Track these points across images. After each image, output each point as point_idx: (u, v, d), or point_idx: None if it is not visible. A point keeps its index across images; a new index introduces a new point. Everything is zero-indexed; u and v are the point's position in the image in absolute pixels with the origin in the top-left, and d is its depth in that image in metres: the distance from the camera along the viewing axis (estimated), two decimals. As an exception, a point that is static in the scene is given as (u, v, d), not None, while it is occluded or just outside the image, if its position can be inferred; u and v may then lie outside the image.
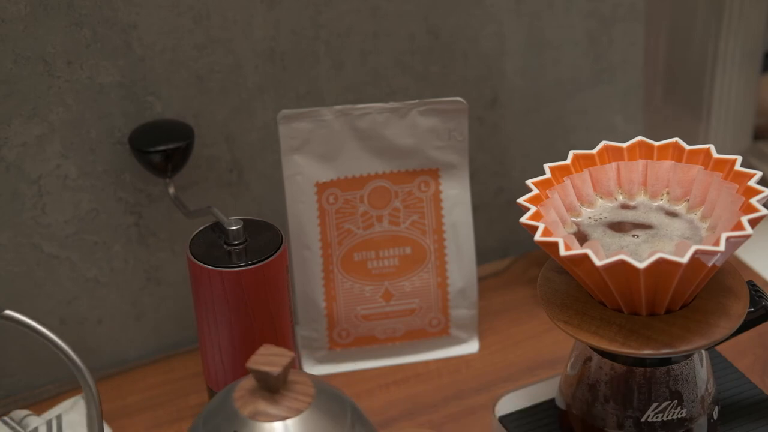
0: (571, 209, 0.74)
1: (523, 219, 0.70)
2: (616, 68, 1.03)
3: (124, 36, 0.85)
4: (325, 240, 0.89)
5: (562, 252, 0.67)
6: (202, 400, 0.91)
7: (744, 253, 1.03)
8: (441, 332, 0.94)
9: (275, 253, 0.80)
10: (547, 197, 0.72)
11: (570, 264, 0.69)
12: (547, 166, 0.74)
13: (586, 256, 0.66)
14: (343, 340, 0.93)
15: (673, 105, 1.10)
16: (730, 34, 1.04)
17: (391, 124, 0.87)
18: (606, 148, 0.76)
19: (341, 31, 0.91)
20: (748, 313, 0.74)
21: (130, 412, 0.90)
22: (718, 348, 0.86)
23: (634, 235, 0.72)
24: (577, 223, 0.74)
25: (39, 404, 0.91)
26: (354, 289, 0.91)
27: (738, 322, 0.70)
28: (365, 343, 0.94)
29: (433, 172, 0.89)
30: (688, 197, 0.74)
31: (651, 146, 0.75)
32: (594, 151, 0.75)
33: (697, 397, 0.75)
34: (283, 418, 0.65)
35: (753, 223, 0.67)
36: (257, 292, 0.80)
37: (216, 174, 0.93)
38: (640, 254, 0.70)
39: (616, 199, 0.76)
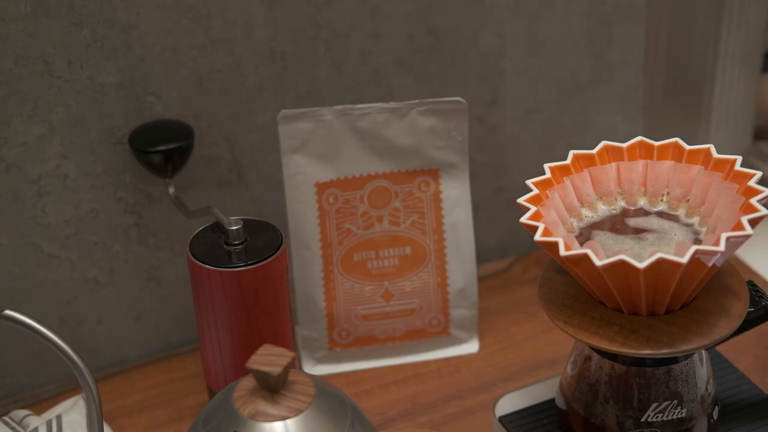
0: (571, 209, 0.74)
1: (523, 219, 0.70)
2: (616, 68, 1.03)
3: (124, 36, 0.85)
4: (325, 240, 0.89)
5: (562, 252, 0.67)
6: (202, 400, 0.91)
7: (744, 253, 1.03)
8: (441, 332, 0.94)
9: (275, 253, 0.80)
10: (547, 197, 0.72)
11: (570, 264, 0.69)
12: (547, 166, 0.74)
13: (586, 256, 0.66)
14: (343, 340, 0.93)
15: (673, 105, 1.10)
16: (730, 34, 1.04)
17: (391, 124, 0.87)
18: (606, 148, 0.76)
19: (341, 31, 0.91)
20: (748, 313, 0.74)
21: (130, 412, 0.90)
22: (718, 348, 0.86)
23: (635, 238, 0.72)
24: (578, 227, 0.74)
25: (39, 404, 0.91)
26: (354, 289, 0.91)
27: (738, 322, 0.70)
28: (365, 343, 0.94)
29: (433, 172, 0.89)
30: (688, 197, 0.74)
31: (651, 146, 0.75)
32: (594, 151, 0.75)
33: (697, 397, 0.75)
34: (283, 418, 0.65)
35: (753, 223, 0.67)
36: (257, 292, 0.80)
37: (216, 174, 0.93)
38: (641, 256, 0.70)
39: (615, 200, 0.76)
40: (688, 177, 0.74)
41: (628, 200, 0.76)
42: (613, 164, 0.76)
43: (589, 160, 0.75)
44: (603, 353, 0.75)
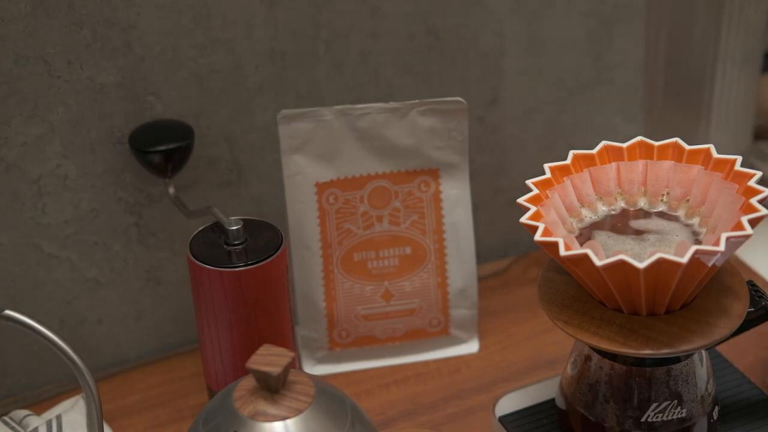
0: (571, 209, 0.74)
1: (523, 219, 0.70)
2: (616, 68, 1.03)
3: (124, 36, 0.85)
4: (325, 240, 0.89)
5: (562, 252, 0.67)
6: (202, 400, 0.91)
7: (744, 253, 1.03)
8: (441, 332, 0.94)
9: (275, 253, 0.80)
10: (547, 197, 0.72)
11: (570, 264, 0.69)
12: (547, 166, 0.74)
13: (586, 256, 0.66)
14: (343, 340, 0.93)
15: (673, 105, 1.10)
16: (730, 34, 1.04)
17: (391, 124, 0.87)
18: (606, 148, 0.76)
19: (341, 31, 0.91)
20: (748, 313, 0.74)
21: (130, 412, 0.90)
22: (718, 348, 0.86)
23: (635, 238, 0.72)
24: (578, 227, 0.74)
25: (39, 404, 0.91)
26: (354, 289, 0.91)
27: (738, 322, 0.70)
28: (365, 343, 0.94)
29: (433, 172, 0.89)
30: (688, 197, 0.74)
31: (651, 146, 0.75)
32: (594, 151, 0.75)
33: (697, 397, 0.75)
34: (283, 418, 0.65)
35: (753, 223, 0.67)
36: (257, 292, 0.80)
37: (216, 174, 0.93)
38: (642, 257, 0.70)
39: (615, 200, 0.76)
40: (688, 177, 0.74)
41: (628, 200, 0.76)
42: (613, 164, 0.76)
43: (589, 160, 0.75)
44: (603, 353, 0.75)
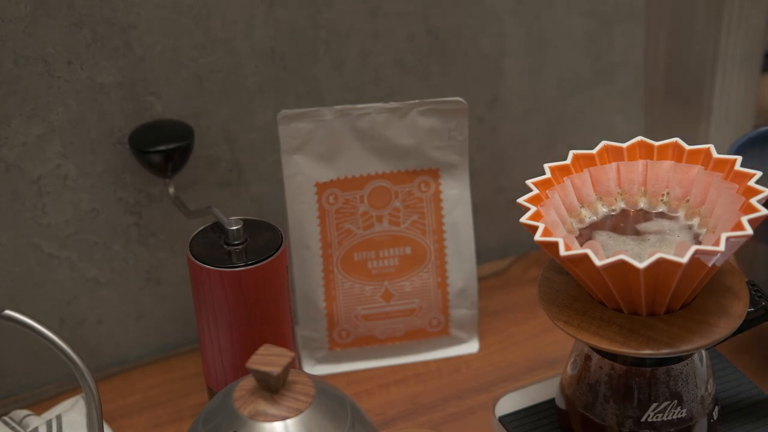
0: (571, 210, 0.74)
1: (523, 219, 0.70)
2: (616, 68, 1.03)
3: (124, 36, 0.85)
4: (325, 240, 0.89)
5: (562, 252, 0.67)
6: (202, 400, 0.91)
7: (744, 253, 1.03)
8: (441, 332, 0.94)
9: (275, 253, 0.80)
10: (547, 197, 0.72)
11: (570, 264, 0.69)
12: (547, 166, 0.74)
13: (586, 256, 0.66)
14: (343, 340, 0.93)
15: (673, 105, 1.10)
16: (730, 34, 1.04)
17: (391, 124, 0.87)
18: (606, 148, 0.76)
19: (341, 31, 0.91)
20: (748, 313, 0.74)
21: (130, 412, 0.90)
22: (718, 348, 0.86)
23: (635, 239, 0.72)
24: (578, 227, 0.74)
25: (39, 404, 0.91)
26: (354, 289, 0.91)
27: (738, 322, 0.70)
28: (365, 343, 0.94)
29: (433, 172, 0.89)
30: (688, 197, 0.74)
31: (651, 146, 0.75)
32: (594, 151, 0.75)
33: (697, 397, 0.75)
34: (283, 418, 0.65)
35: (753, 223, 0.67)
36: (257, 292, 0.80)
37: (216, 174, 0.93)
38: (642, 257, 0.70)
39: (615, 201, 0.76)
40: (688, 177, 0.74)
41: (628, 200, 0.76)
42: (613, 164, 0.76)
43: (589, 160, 0.75)
44: (603, 353, 0.75)
